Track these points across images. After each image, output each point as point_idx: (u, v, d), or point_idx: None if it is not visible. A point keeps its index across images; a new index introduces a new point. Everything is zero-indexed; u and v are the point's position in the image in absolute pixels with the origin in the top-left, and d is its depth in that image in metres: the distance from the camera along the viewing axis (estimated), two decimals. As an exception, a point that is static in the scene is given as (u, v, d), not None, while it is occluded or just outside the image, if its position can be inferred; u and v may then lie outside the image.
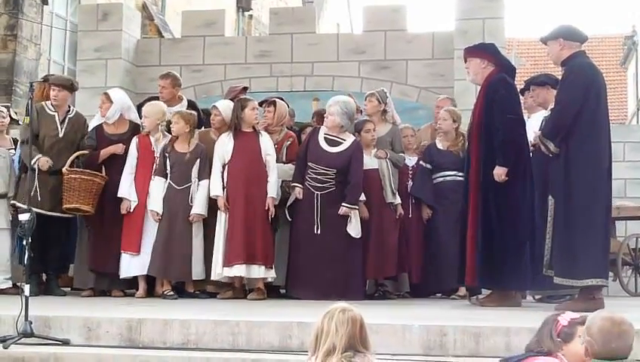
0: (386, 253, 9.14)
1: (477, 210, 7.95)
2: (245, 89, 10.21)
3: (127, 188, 9.02)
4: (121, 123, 9.37)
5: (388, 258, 9.15)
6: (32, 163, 8.64)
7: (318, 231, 8.79)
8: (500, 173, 7.83)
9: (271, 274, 8.76)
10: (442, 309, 7.80)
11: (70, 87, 9.46)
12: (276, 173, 8.89)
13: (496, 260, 7.85)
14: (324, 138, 9.03)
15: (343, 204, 8.79)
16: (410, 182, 9.70)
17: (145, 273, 8.90)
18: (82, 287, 9.29)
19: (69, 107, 9.52)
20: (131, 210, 8.99)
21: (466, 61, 8.42)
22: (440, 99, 10.48)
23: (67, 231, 9.39)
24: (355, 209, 8.84)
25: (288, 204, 9.00)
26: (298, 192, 8.87)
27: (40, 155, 9.02)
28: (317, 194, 8.86)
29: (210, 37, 13.19)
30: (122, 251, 8.98)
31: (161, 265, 8.79)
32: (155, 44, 13.93)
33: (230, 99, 9.61)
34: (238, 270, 8.65)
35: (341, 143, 9.02)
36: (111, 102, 9.32)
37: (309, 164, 8.92)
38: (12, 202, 9.21)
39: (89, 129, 9.44)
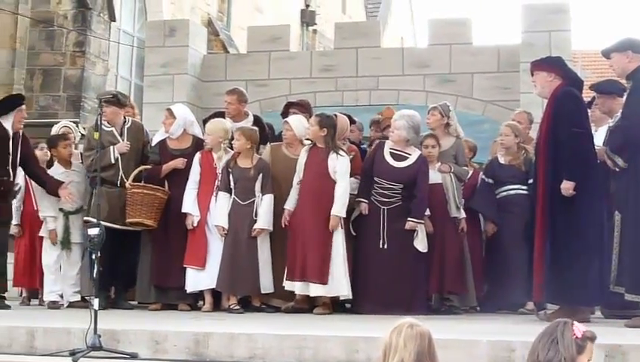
0: (449, 268, 9.10)
1: (544, 224, 7.84)
2: (292, 104, 10.21)
3: (190, 204, 9.09)
4: (184, 138, 9.46)
5: (451, 272, 9.10)
6: (110, 154, 8.99)
7: (385, 246, 8.77)
8: (567, 187, 7.72)
9: (339, 292, 8.71)
10: (510, 324, 7.72)
11: (116, 102, 9.46)
12: (342, 190, 8.79)
13: (564, 275, 7.72)
14: (390, 153, 9.02)
15: (410, 218, 8.77)
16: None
17: (211, 287, 8.93)
18: (145, 301, 9.37)
19: (125, 118, 9.60)
20: (195, 225, 9.04)
21: (532, 74, 8.32)
22: (516, 114, 10.36)
23: (136, 246, 9.46)
24: (421, 223, 8.82)
25: (352, 218, 8.98)
26: (364, 208, 8.86)
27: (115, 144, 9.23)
28: (383, 209, 8.85)
29: (275, 52, 13.26)
30: (187, 266, 9.03)
31: (228, 280, 8.82)
32: (221, 59, 14.04)
33: (280, 114, 9.67)
34: (298, 287, 8.68)
35: (407, 158, 9.01)
36: (174, 117, 9.41)
37: (375, 179, 8.91)
38: (85, 218, 9.31)
39: (152, 143, 9.53)
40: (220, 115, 9.78)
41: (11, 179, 9.34)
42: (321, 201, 8.72)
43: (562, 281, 7.74)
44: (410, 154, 9.03)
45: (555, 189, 7.80)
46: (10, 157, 9.24)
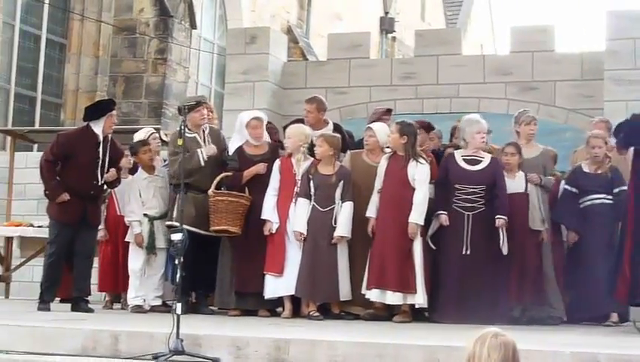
0: (528, 278, 9.02)
1: (635, 232, 7.76)
2: (389, 111, 10.20)
3: (270, 210, 9.12)
4: (261, 144, 9.50)
5: (531, 283, 9.02)
6: (199, 156, 9.15)
7: (468, 252, 8.74)
8: None
9: (414, 301, 8.70)
10: (593, 336, 7.60)
11: (197, 104, 9.56)
12: (421, 198, 8.78)
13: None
14: (463, 159, 8.99)
15: (498, 216, 8.73)
16: None
17: (291, 294, 8.96)
18: (224, 307, 9.42)
19: (204, 126, 9.66)
20: (273, 232, 9.07)
21: None
22: (595, 122, 10.21)
23: (216, 251, 9.51)
24: (506, 221, 8.76)
25: (431, 233, 8.92)
26: (444, 219, 8.82)
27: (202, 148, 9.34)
28: (468, 215, 8.82)
29: (355, 59, 13.26)
30: (266, 272, 9.07)
31: (308, 287, 8.84)
32: (301, 67, 14.09)
33: (373, 121, 9.65)
34: (377, 294, 8.67)
35: (480, 161, 9.03)
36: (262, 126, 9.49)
37: (456, 186, 8.87)
38: (167, 223, 9.41)
39: (230, 150, 9.57)
40: (300, 122, 9.80)
41: (100, 183, 9.48)
42: (401, 209, 8.71)
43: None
44: (482, 158, 9.04)
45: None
46: (100, 162, 9.39)
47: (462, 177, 8.92)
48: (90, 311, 9.29)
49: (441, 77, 12.87)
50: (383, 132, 9.23)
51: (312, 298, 8.92)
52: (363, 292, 8.78)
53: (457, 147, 9.47)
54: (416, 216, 8.68)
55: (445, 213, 8.83)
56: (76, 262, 9.59)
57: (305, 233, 8.93)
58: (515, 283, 8.98)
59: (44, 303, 9.30)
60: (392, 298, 8.63)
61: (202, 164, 9.31)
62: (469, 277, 8.71)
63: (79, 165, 9.31)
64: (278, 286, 9.02)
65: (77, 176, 9.29)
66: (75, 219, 9.32)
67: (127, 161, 10.12)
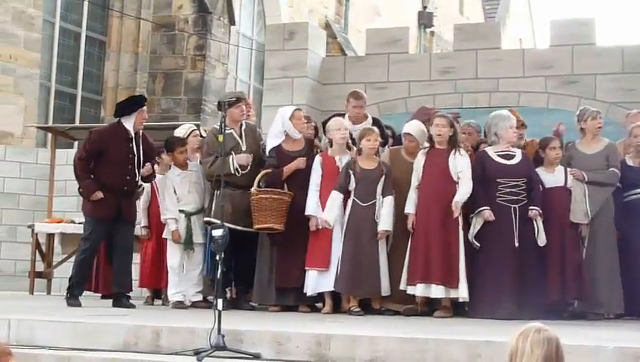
0: (569, 273, 8.94)
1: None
2: (436, 112, 10.16)
3: (314, 206, 9.12)
4: (298, 140, 9.51)
5: (572, 278, 8.94)
6: (229, 165, 9.09)
7: (517, 244, 8.71)
8: None
9: (457, 294, 8.67)
10: (638, 331, 7.52)
11: (236, 101, 9.59)
12: (467, 187, 8.82)
13: None
14: (497, 154, 8.96)
15: (532, 207, 8.73)
16: None
17: (332, 289, 8.95)
18: (264, 303, 9.43)
19: (241, 122, 9.67)
20: (320, 227, 9.07)
21: None
22: (632, 115, 10.13)
23: (253, 247, 9.52)
24: (540, 213, 8.72)
25: (474, 232, 8.82)
26: (489, 215, 8.75)
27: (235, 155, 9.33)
28: (514, 207, 8.79)
29: (394, 54, 13.21)
30: (309, 268, 9.07)
31: (349, 282, 8.83)
32: (340, 62, 14.07)
33: (422, 121, 9.61)
34: (419, 289, 8.66)
35: (514, 155, 9.05)
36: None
37: (498, 180, 8.83)
38: (206, 219, 9.44)
39: (267, 148, 9.57)
40: (340, 116, 9.79)
41: (136, 179, 9.53)
42: (443, 203, 8.73)
43: None
44: (515, 152, 9.06)
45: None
46: (132, 158, 9.44)
47: (502, 171, 8.88)
48: (132, 306, 9.36)
49: (480, 71, 12.80)
50: (421, 133, 9.21)
51: (353, 293, 8.92)
52: (403, 288, 8.77)
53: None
54: (459, 196, 8.74)
55: (489, 208, 8.77)
56: (115, 258, 9.69)
57: (332, 223, 8.91)
58: (557, 279, 8.92)
59: (74, 298, 9.38)
60: (437, 291, 8.63)
61: (232, 172, 9.27)
62: (522, 270, 8.72)
63: (112, 161, 9.39)
64: (320, 282, 9.00)
65: (110, 173, 9.37)
66: (110, 215, 9.39)
67: (169, 159, 10.16)
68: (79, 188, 9.61)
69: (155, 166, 9.86)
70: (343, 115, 9.90)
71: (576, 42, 12.39)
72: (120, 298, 9.50)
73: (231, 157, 9.30)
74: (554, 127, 9.76)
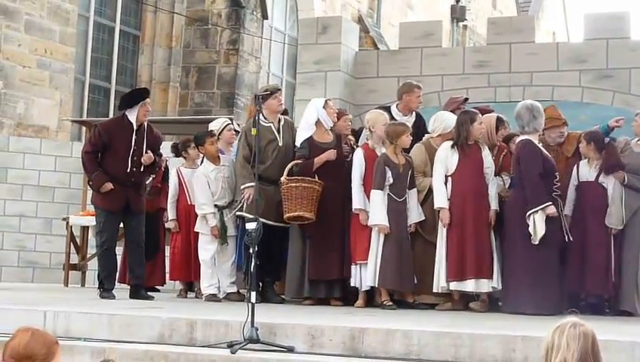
0: (589, 269, 8.87)
1: None
2: (466, 100, 10.15)
3: (362, 200, 9.07)
4: (328, 133, 9.52)
5: (592, 274, 8.86)
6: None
7: (571, 238, 8.76)
8: None
9: (493, 284, 8.70)
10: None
11: (270, 94, 9.59)
12: (496, 187, 8.86)
13: None
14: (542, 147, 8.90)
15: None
16: None
17: (378, 285, 8.88)
18: (296, 296, 9.43)
19: (280, 118, 9.70)
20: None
21: None
22: None
23: (285, 241, 9.54)
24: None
25: (541, 230, 8.43)
26: (554, 210, 8.50)
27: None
28: (560, 202, 8.76)
29: (427, 48, 13.17)
30: (354, 262, 9.03)
31: (396, 278, 8.79)
32: (373, 56, 14.05)
33: (451, 111, 9.58)
34: (470, 284, 8.66)
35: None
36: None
37: (555, 174, 8.73)
38: (238, 213, 9.46)
39: (298, 139, 9.55)
40: (385, 109, 9.76)
41: (141, 170, 9.63)
42: (477, 198, 8.75)
43: None
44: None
45: None
46: (134, 149, 9.52)
47: (554, 165, 8.80)
48: (150, 298, 9.47)
49: (514, 65, 12.74)
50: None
51: (401, 289, 8.94)
52: (443, 285, 8.73)
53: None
54: (495, 203, 8.78)
55: (551, 203, 8.53)
56: (129, 251, 9.83)
57: (387, 225, 8.84)
58: (574, 273, 8.88)
59: (106, 291, 9.46)
60: (488, 285, 8.66)
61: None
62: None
63: (117, 153, 9.52)
64: (365, 276, 8.96)
65: (116, 165, 9.50)
66: (119, 206, 9.51)
67: (195, 154, 10.23)
68: (89, 181, 9.81)
69: (164, 158, 9.92)
70: (389, 108, 9.85)
71: (611, 36, 12.30)
72: (137, 289, 9.59)
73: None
74: (611, 123, 9.44)
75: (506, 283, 8.68)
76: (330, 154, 9.30)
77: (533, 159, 8.57)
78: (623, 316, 8.75)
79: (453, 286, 8.70)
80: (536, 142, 8.75)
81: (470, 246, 8.66)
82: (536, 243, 8.37)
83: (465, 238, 8.69)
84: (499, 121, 9.44)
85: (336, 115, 9.63)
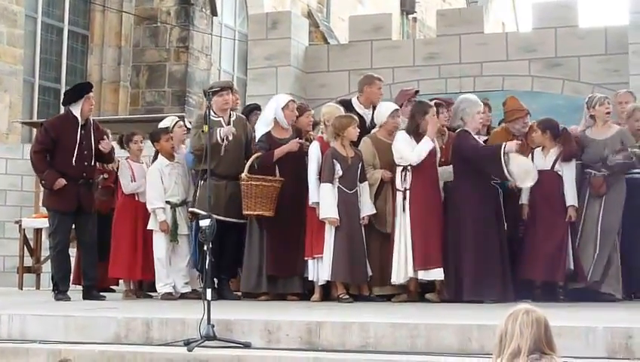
0: (541, 256, 8.90)
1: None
2: (417, 92, 10.16)
3: (318, 194, 9.02)
4: (288, 128, 9.50)
5: (543, 261, 8.91)
6: (216, 135, 9.05)
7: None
8: None
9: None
10: (628, 311, 7.55)
11: (222, 90, 9.57)
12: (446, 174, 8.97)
13: None
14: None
15: None
16: None
17: (332, 279, 8.85)
18: (253, 292, 9.39)
19: (230, 112, 9.64)
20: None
21: None
22: (621, 94, 10.05)
23: (241, 237, 9.49)
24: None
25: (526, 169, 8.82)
26: (513, 144, 8.79)
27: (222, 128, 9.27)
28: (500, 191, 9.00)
29: (377, 41, 13.21)
30: (311, 256, 8.99)
31: (347, 271, 8.76)
32: (324, 51, 14.06)
33: (400, 104, 9.60)
34: (437, 273, 8.67)
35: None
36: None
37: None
38: (191, 209, 9.42)
39: (257, 134, 9.47)
40: (344, 103, 9.75)
41: (92, 164, 9.54)
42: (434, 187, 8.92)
43: None
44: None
45: None
46: (82, 144, 9.42)
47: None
48: (102, 298, 9.40)
49: (464, 56, 12.82)
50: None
51: (353, 282, 8.93)
52: (410, 275, 8.70)
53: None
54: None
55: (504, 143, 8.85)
56: (82, 252, 9.73)
57: (337, 218, 8.85)
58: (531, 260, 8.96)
59: (61, 293, 9.37)
60: (438, 273, 8.67)
61: (219, 141, 9.18)
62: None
63: (65, 149, 9.40)
64: (322, 271, 8.93)
65: (66, 161, 9.38)
66: (71, 206, 9.41)
67: (137, 148, 10.12)
68: (41, 181, 9.67)
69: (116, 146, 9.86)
70: (349, 101, 9.86)
71: (559, 25, 12.41)
72: (90, 290, 9.53)
73: (218, 128, 9.20)
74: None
75: (448, 270, 8.71)
76: (292, 145, 9.24)
77: (466, 139, 8.89)
78: (604, 301, 8.77)
79: (421, 275, 8.69)
80: (471, 132, 8.98)
81: (434, 235, 8.70)
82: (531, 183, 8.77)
83: (428, 227, 8.71)
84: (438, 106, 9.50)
85: (295, 117, 9.56)
